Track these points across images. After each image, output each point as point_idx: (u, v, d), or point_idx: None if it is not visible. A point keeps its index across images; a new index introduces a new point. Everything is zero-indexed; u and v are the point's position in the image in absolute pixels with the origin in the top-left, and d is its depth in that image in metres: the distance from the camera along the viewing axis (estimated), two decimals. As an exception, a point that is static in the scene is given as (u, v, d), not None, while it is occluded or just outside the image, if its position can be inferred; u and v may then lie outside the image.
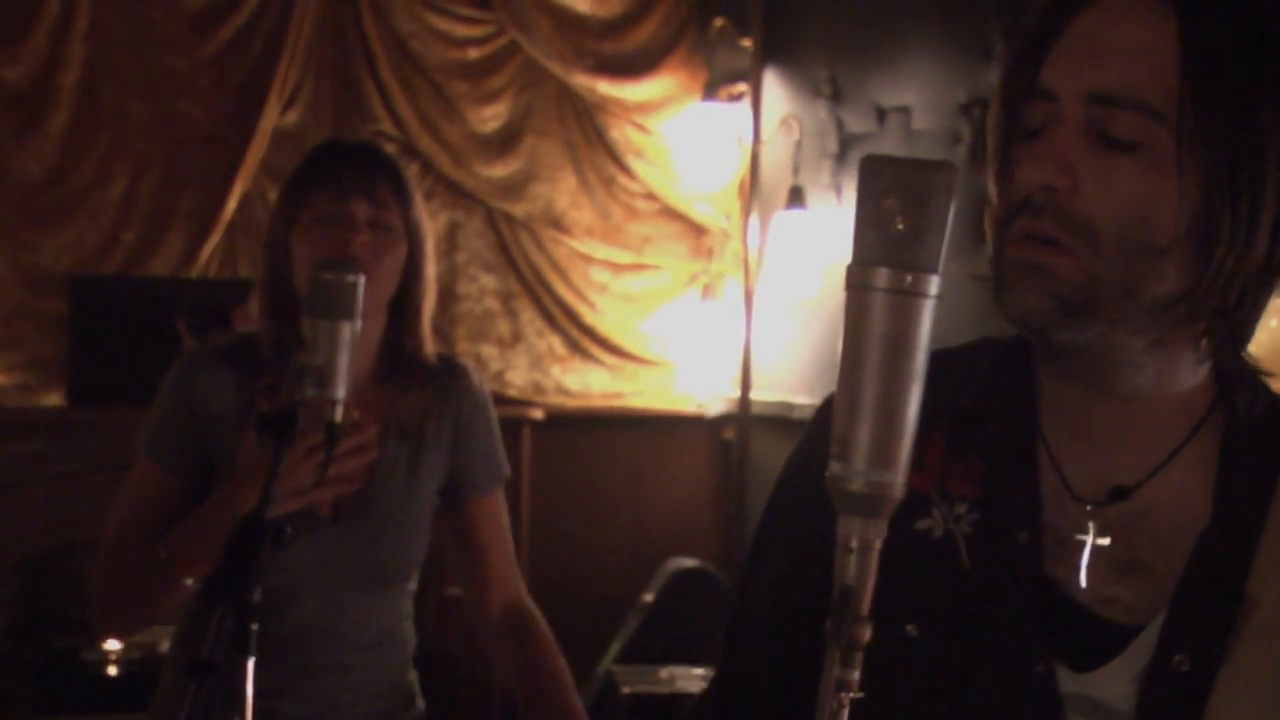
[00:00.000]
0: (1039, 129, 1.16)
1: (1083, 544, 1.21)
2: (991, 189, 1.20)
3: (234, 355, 2.31)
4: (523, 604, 2.43)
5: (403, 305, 2.32)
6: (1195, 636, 1.16)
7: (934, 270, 0.94)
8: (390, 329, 2.33)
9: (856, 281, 0.95)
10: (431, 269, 2.35)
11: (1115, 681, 1.18)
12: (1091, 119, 1.14)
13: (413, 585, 2.41)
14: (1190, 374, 1.22)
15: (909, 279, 0.93)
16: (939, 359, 1.31)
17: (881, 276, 0.93)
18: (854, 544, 0.96)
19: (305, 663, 2.23)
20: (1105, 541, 1.20)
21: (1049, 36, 1.16)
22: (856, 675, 0.97)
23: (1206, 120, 1.12)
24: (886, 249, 0.94)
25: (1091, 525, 1.21)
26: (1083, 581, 1.20)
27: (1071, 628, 1.20)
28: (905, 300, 0.93)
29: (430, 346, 2.38)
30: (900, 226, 0.94)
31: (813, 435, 1.39)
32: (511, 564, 2.45)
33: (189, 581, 2.14)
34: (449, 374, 2.39)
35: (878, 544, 0.96)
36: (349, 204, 2.22)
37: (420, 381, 2.36)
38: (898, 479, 0.95)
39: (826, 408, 1.40)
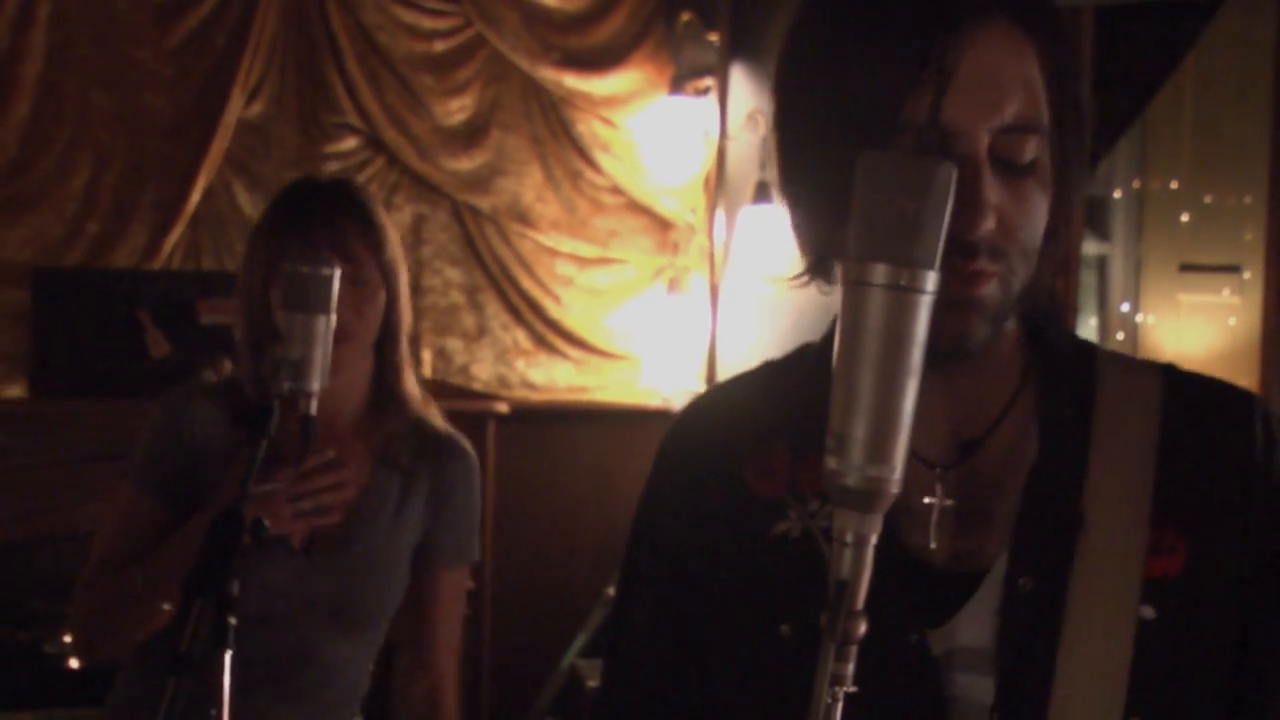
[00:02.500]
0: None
1: (931, 507, 1.25)
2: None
3: (222, 394, 2.30)
4: (445, 699, 2.42)
5: (384, 344, 2.35)
6: (1037, 560, 1.22)
7: (931, 266, 0.94)
8: (376, 368, 2.36)
9: (854, 277, 0.95)
10: (408, 308, 2.36)
11: (975, 622, 1.22)
12: (994, 147, 1.16)
13: (381, 636, 2.39)
14: (1010, 333, 1.28)
15: (906, 275, 0.94)
16: (765, 373, 1.43)
17: (879, 273, 0.94)
18: (849, 538, 0.97)
19: (250, 686, 2.16)
20: (950, 503, 1.25)
21: (945, 73, 1.14)
22: (851, 669, 0.97)
23: (1065, 137, 1.21)
24: (884, 245, 0.94)
25: (939, 487, 1.25)
26: (932, 542, 1.25)
27: (933, 590, 1.24)
28: (902, 296, 0.94)
29: (410, 377, 2.39)
30: (898, 223, 0.94)
31: (662, 471, 1.45)
32: (452, 650, 2.44)
33: (167, 607, 2.12)
34: (447, 442, 2.41)
35: (873, 539, 0.97)
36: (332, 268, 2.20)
37: (406, 417, 2.36)
38: (894, 474, 0.96)
39: (673, 437, 1.45)
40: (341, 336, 2.15)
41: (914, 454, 1.25)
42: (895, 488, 0.96)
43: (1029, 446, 1.27)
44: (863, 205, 0.96)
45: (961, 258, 1.14)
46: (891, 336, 0.95)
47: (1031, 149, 1.17)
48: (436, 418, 2.42)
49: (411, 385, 2.39)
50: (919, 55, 1.14)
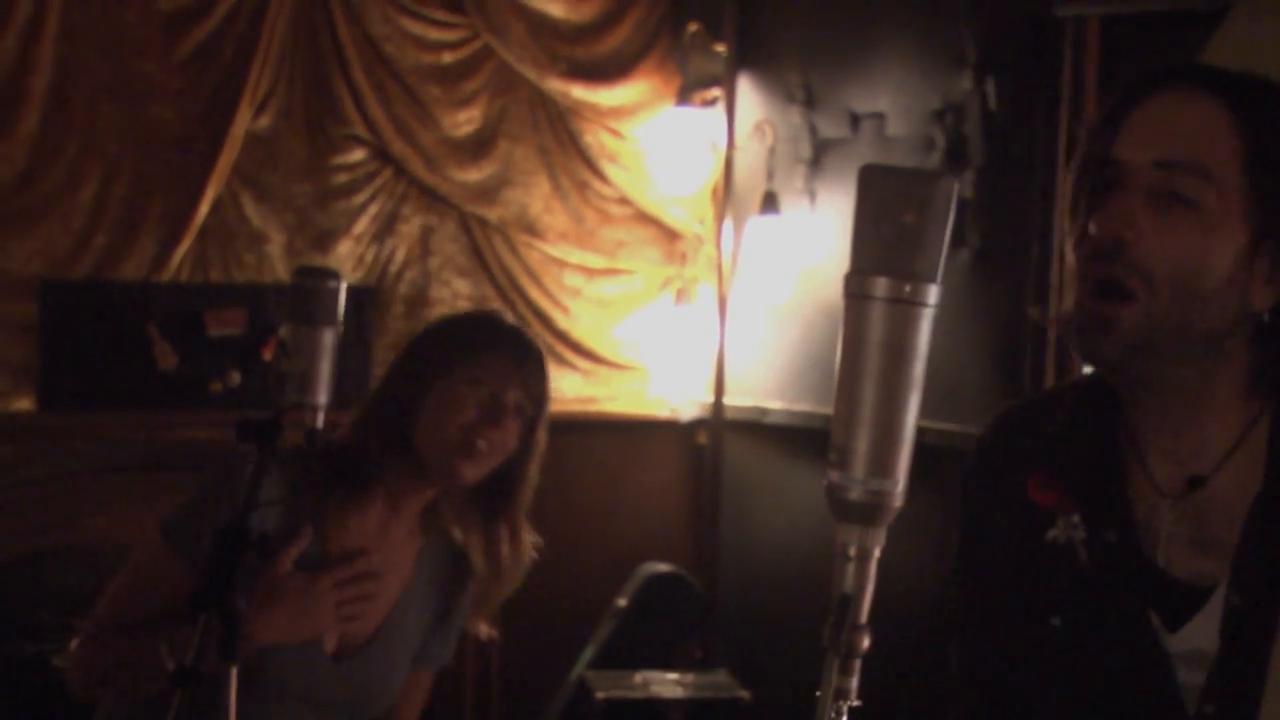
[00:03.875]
0: (1107, 188, 1.40)
1: (1161, 531, 1.46)
2: (1069, 247, 1.45)
3: (290, 470, 2.22)
4: None
5: (507, 504, 2.41)
6: (1252, 579, 1.39)
7: (933, 279, 0.94)
8: (483, 503, 2.38)
9: (855, 290, 0.95)
10: (534, 480, 2.41)
11: (1205, 630, 1.43)
12: (1155, 182, 1.38)
13: None
14: (1240, 382, 1.45)
15: (908, 288, 0.94)
16: (1033, 406, 1.66)
17: (880, 285, 0.94)
18: (852, 552, 0.97)
19: None
20: (1180, 528, 1.45)
21: (1119, 118, 1.43)
22: (854, 683, 0.97)
23: (1259, 189, 1.38)
24: (886, 258, 0.94)
25: (1169, 514, 1.46)
26: (1161, 560, 1.45)
27: (1172, 599, 1.45)
28: (904, 309, 0.94)
29: (526, 537, 2.46)
30: (899, 236, 0.94)
31: (966, 480, 1.66)
32: None
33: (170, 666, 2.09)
34: (466, 564, 2.44)
35: (876, 552, 0.97)
36: (506, 388, 2.27)
37: (451, 548, 2.39)
38: (896, 487, 0.95)
39: (991, 434, 1.66)
40: (482, 454, 2.23)
41: (1153, 486, 1.47)
42: (898, 501, 0.96)
43: (1254, 483, 1.43)
44: (864, 218, 0.96)
45: (1101, 261, 1.39)
46: (893, 349, 0.94)
47: (1189, 185, 1.37)
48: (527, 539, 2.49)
49: (524, 551, 2.46)
50: (1110, 109, 1.45)
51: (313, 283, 2.01)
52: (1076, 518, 1.49)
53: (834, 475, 0.96)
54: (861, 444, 0.95)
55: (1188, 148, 1.38)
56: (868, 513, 0.96)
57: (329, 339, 1.99)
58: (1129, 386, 1.48)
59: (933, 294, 0.95)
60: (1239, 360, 1.45)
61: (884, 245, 0.95)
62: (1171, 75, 1.44)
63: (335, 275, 2.03)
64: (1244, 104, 1.40)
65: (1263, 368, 1.46)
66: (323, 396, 1.98)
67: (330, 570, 2.13)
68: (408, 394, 2.25)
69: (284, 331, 2.05)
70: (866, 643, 0.97)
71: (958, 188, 0.96)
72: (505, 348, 2.31)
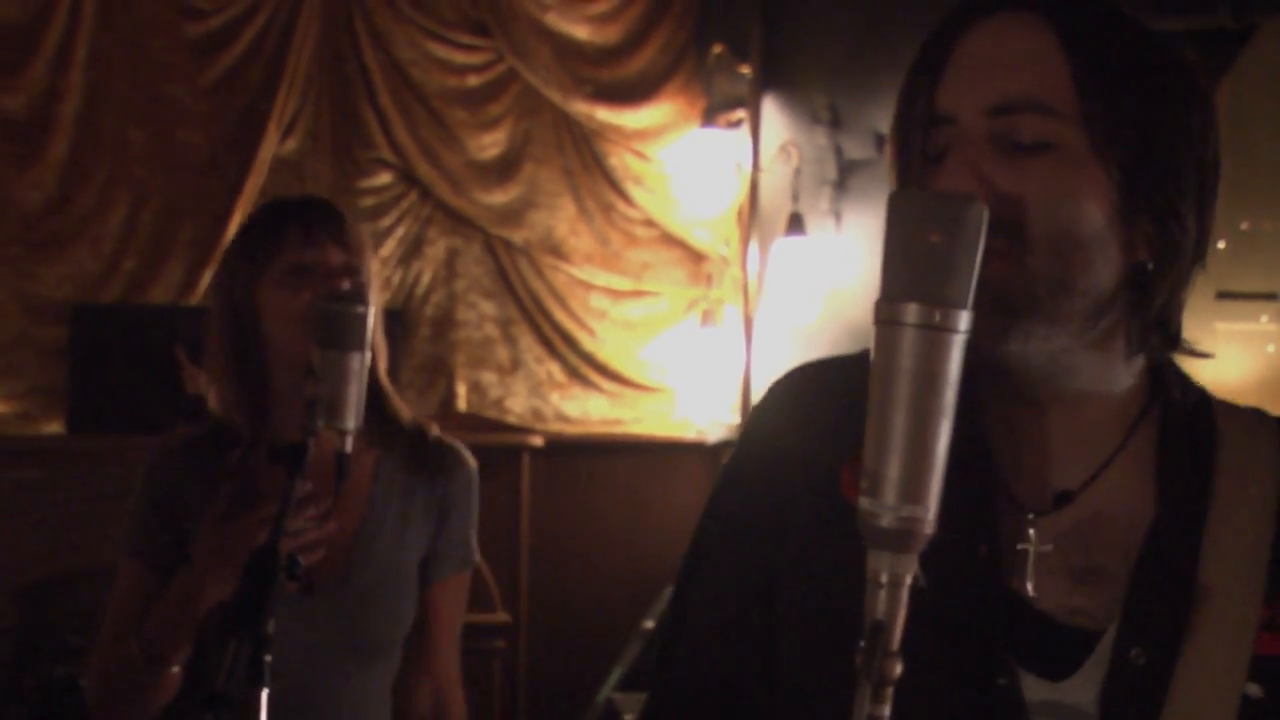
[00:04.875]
0: (944, 153, 1.18)
1: (1025, 554, 1.21)
2: None
3: (198, 444, 2.27)
4: (448, 700, 2.38)
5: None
6: (1150, 630, 1.17)
7: (964, 305, 0.94)
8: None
9: (885, 317, 0.94)
10: (380, 321, 2.29)
11: (1085, 687, 1.18)
12: (994, 131, 1.16)
13: (395, 662, 2.34)
14: (1125, 376, 1.23)
15: (938, 315, 0.93)
16: (849, 365, 1.29)
17: (911, 312, 0.93)
18: (884, 579, 0.96)
19: None
20: (1048, 549, 1.20)
21: (937, 64, 1.19)
22: (887, 711, 0.96)
23: (1107, 118, 1.15)
24: (915, 283, 0.94)
25: (1032, 533, 1.20)
26: (1030, 589, 1.20)
27: (1039, 638, 1.20)
28: (935, 336, 0.93)
29: (398, 401, 2.34)
30: (929, 260, 0.94)
31: (746, 461, 1.36)
32: (453, 654, 2.40)
33: (175, 669, 2.09)
34: (443, 451, 2.36)
35: (908, 579, 0.96)
36: (322, 251, 2.18)
37: (405, 441, 2.31)
38: (928, 514, 0.95)
39: (761, 419, 1.35)
40: None
41: (1012, 498, 1.22)
42: (929, 528, 0.95)
43: (1142, 504, 1.21)
44: (894, 244, 0.95)
45: None
46: (925, 376, 0.94)
47: (1034, 129, 1.15)
48: (433, 429, 2.37)
49: (399, 401, 2.34)
50: (923, 53, 1.21)
51: (340, 307, 2.01)
52: None
53: (865, 502, 0.96)
54: (893, 470, 0.95)
55: (1021, 84, 1.15)
56: (899, 539, 0.95)
57: (356, 364, 1.99)
58: (996, 375, 1.20)
59: (964, 320, 0.94)
60: (1122, 352, 1.21)
61: (913, 271, 0.94)
62: (983, 5, 1.19)
63: (363, 299, 2.04)
64: (1067, 20, 1.17)
65: (1143, 334, 1.21)
66: (351, 421, 1.97)
67: (252, 509, 2.06)
68: (242, 325, 2.20)
69: (311, 356, 2.04)
70: (899, 670, 0.96)
71: (987, 214, 0.95)
72: (299, 216, 2.21)
